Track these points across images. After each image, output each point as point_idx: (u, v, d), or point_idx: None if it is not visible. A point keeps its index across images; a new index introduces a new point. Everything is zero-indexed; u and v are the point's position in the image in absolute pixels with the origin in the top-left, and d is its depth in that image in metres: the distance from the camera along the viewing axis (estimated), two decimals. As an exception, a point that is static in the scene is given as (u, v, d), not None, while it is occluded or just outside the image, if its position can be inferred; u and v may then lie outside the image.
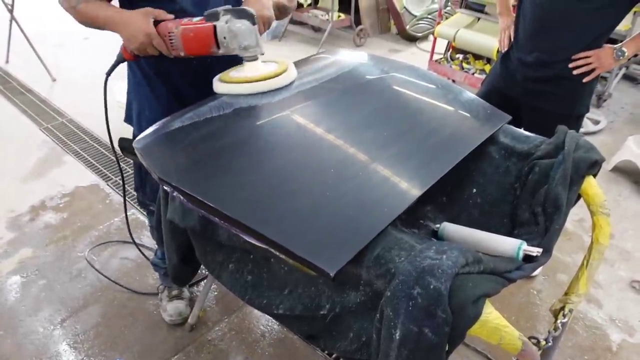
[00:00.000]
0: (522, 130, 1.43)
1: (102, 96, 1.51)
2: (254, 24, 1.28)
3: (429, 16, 5.44)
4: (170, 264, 1.54)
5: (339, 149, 1.12)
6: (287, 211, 0.96)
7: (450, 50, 4.30)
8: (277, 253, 0.90)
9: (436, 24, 4.27)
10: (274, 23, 5.54)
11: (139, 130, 1.64)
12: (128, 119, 1.72)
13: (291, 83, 1.38)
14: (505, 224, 1.29)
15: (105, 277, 2.28)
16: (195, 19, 1.30)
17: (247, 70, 1.36)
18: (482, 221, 1.30)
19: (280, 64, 1.41)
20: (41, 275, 2.33)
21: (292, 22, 5.47)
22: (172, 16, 1.33)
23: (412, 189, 1.05)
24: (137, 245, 2.02)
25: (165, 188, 1.02)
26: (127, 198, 2.12)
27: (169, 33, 1.30)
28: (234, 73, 1.38)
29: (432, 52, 4.24)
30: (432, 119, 1.33)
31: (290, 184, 1.01)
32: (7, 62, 4.59)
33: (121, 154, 1.64)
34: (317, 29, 5.52)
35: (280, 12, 1.53)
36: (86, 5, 1.36)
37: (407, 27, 5.27)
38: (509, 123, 1.43)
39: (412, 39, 5.39)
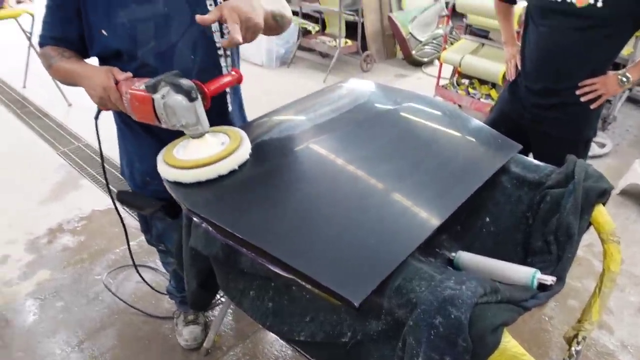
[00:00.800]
0: (532, 160, 1.48)
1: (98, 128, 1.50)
2: (191, 100, 1.15)
3: (434, 41, 5.53)
4: (189, 289, 1.58)
5: (359, 180, 1.18)
6: (311, 242, 1.00)
7: (456, 75, 4.37)
8: (303, 283, 0.95)
9: (442, 49, 4.36)
10: (282, 50, 5.62)
11: (132, 182, 1.67)
12: (121, 172, 1.73)
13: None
14: (518, 252, 1.33)
15: (122, 300, 2.32)
16: (143, 85, 1.20)
17: (191, 149, 1.23)
18: (495, 249, 1.34)
19: (233, 138, 1.27)
20: (59, 297, 2.37)
21: (300, 48, 5.58)
22: (128, 74, 1.29)
23: (430, 220, 1.10)
24: (141, 276, 2.07)
25: (195, 219, 1.07)
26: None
27: (124, 94, 1.25)
28: (178, 150, 1.27)
29: (439, 77, 4.31)
30: (446, 149, 1.38)
31: (313, 216, 1.06)
32: (24, 87, 4.71)
33: (122, 205, 1.66)
34: (324, 55, 5.62)
35: (277, 22, 1.40)
36: (57, 65, 1.40)
37: (413, 52, 5.36)
38: (519, 151, 1.49)
39: (418, 64, 5.48)
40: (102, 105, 1.33)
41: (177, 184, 1.18)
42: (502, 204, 1.40)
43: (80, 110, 4.28)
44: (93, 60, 1.45)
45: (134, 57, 1.37)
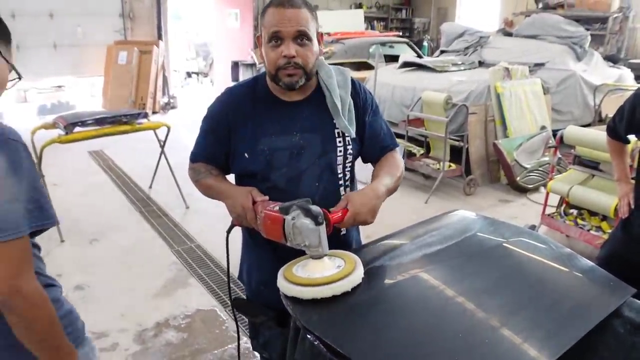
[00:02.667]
0: (647, 305, 1.42)
1: (225, 240, 1.66)
2: (317, 224, 1.30)
3: (540, 168, 5.49)
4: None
5: (468, 314, 1.21)
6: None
7: (564, 205, 4.28)
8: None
9: (548, 179, 4.32)
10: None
11: (248, 289, 1.82)
12: (240, 277, 1.87)
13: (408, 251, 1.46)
14: (633, 404, 1.25)
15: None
16: (277, 207, 1.39)
17: (310, 268, 1.34)
18: (608, 398, 1.28)
19: (348, 262, 1.36)
20: (158, 390, 2.48)
21: (405, 169, 5.75)
22: (265, 197, 1.48)
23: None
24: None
25: (309, 336, 1.16)
26: (240, 326, 2.25)
27: (258, 214, 1.43)
28: (298, 270, 1.37)
29: (545, 206, 4.23)
30: (555, 289, 1.38)
31: (422, 346, 1.11)
32: (150, 187, 5.24)
33: (237, 311, 1.81)
34: (427, 177, 5.75)
35: (394, 190, 1.66)
36: (206, 179, 1.66)
37: (518, 178, 5.34)
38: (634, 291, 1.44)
39: (522, 190, 5.43)
40: (238, 221, 1.53)
41: (294, 301, 1.28)
42: (615, 350, 1.34)
43: (196, 214, 4.66)
44: (231, 177, 1.69)
45: (266, 179, 1.58)
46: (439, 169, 5.36)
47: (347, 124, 1.60)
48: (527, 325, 1.20)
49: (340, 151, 1.63)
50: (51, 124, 4.30)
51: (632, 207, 2.17)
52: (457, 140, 5.39)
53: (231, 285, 3.20)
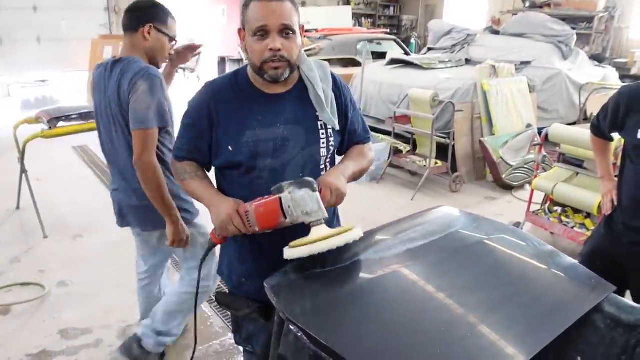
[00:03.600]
0: (627, 301, 1.44)
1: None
2: (314, 191, 1.42)
3: (526, 166, 5.54)
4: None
5: (449, 309, 1.22)
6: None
7: (549, 202, 4.32)
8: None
9: (534, 177, 4.35)
10: (373, 166, 5.84)
11: (230, 283, 1.82)
12: (219, 271, 1.88)
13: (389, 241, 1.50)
14: (612, 398, 1.27)
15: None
16: (266, 196, 1.47)
17: (314, 234, 1.42)
18: (587, 392, 1.29)
19: (346, 226, 1.45)
20: (142, 387, 2.47)
21: (391, 165, 5.78)
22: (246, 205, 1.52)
23: (517, 356, 1.10)
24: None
25: (292, 328, 1.15)
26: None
27: (245, 212, 1.46)
28: (302, 239, 1.43)
29: (530, 203, 4.27)
30: (537, 286, 1.39)
31: (405, 339, 1.11)
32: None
33: (220, 305, 1.84)
34: (414, 174, 5.77)
35: (359, 176, 1.73)
36: (191, 181, 1.67)
37: (503, 176, 5.38)
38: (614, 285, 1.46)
39: (508, 188, 5.47)
40: (223, 229, 1.52)
41: (278, 292, 1.27)
42: (595, 345, 1.36)
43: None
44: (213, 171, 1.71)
45: (251, 171, 1.59)
46: (425, 166, 5.38)
47: (331, 116, 1.64)
48: (508, 320, 1.21)
49: (323, 143, 1.66)
50: (34, 118, 4.23)
51: (615, 204, 2.19)
52: (444, 138, 5.41)
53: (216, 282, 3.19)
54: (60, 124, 4.17)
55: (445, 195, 5.26)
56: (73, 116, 4.24)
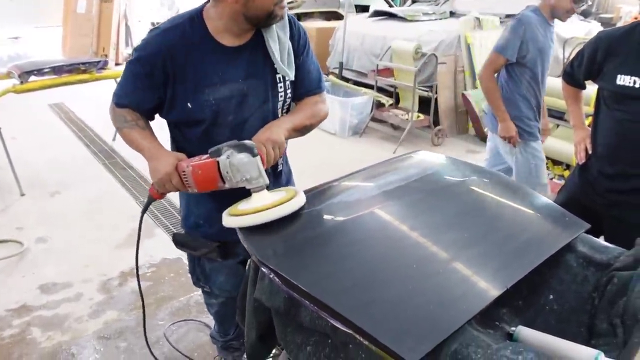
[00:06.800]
0: (600, 240, 1.45)
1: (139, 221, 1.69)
2: (254, 155, 1.33)
3: (508, 119, 5.53)
4: (248, 341, 1.62)
5: (422, 246, 1.21)
6: (372, 300, 1.04)
7: (529, 154, 4.33)
8: (361, 339, 0.97)
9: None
10: (355, 120, 5.81)
11: (186, 225, 1.81)
12: (181, 215, 1.87)
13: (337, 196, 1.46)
14: (581, 333, 1.29)
15: (180, 352, 2.38)
16: (204, 157, 1.40)
17: (254, 201, 1.36)
18: (558, 328, 1.31)
19: (288, 192, 1.38)
20: (123, 338, 2.48)
21: (373, 119, 5.74)
22: (184, 156, 1.49)
23: (490, 290, 1.11)
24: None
25: (263, 270, 1.14)
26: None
27: (182, 172, 1.42)
28: (242, 205, 1.38)
29: (510, 155, 4.28)
30: (511, 224, 1.39)
31: (376, 276, 1.10)
32: (114, 139, 5.10)
33: (177, 247, 1.82)
34: (396, 127, 5.74)
35: (302, 132, 1.64)
36: (130, 130, 1.58)
37: (486, 129, 5.37)
38: (589, 233, 1.46)
39: (490, 141, 5.48)
40: (161, 187, 1.48)
41: (250, 235, 1.26)
42: (567, 283, 1.37)
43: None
44: (158, 123, 1.65)
45: (211, 128, 1.54)
46: (407, 119, 5.35)
47: (286, 68, 1.56)
48: (481, 257, 1.21)
49: (281, 96, 1.61)
50: (5, 73, 4.10)
51: (589, 152, 2.19)
52: (426, 91, 5.36)
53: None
54: (32, 78, 4.04)
55: (427, 149, 5.22)
56: (45, 70, 4.12)
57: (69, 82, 4.25)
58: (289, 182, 1.84)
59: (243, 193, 1.42)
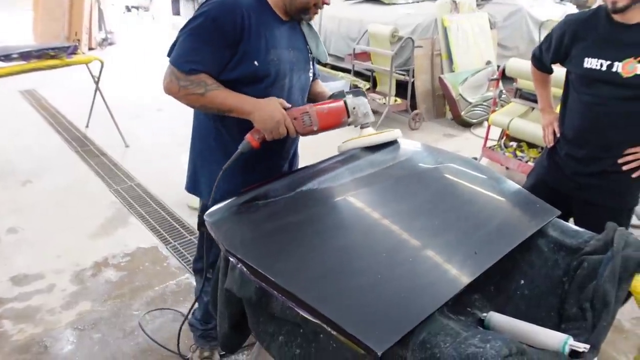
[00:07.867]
0: (571, 225, 1.46)
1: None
2: (366, 97, 1.71)
3: (484, 103, 5.56)
4: (220, 330, 1.61)
5: (393, 234, 1.20)
6: (340, 290, 1.03)
7: (505, 137, 4.36)
8: (329, 329, 0.96)
9: (491, 112, 4.37)
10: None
11: (211, 200, 1.72)
12: (193, 189, 1.85)
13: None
14: (552, 318, 1.30)
15: (155, 342, 2.35)
16: (326, 101, 1.68)
17: (365, 133, 1.72)
18: (529, 313, 1.32)
19: (386, 130, 1.74)
20: (97, 329, 2.44)
21: (351, 103, 5.71)
22: (290, 105, 1.62)
23: (460, 277, 1.10)
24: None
25: (231, 259, 1.12)
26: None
27: (301, 114, 1.57)
28: (353, 137, 1.73)
29: (486, 139, 4.31)
30: (483, 211, 1.39)
31: (345, 265, 1.09)
32: (87, 126, 5.00)
33: (199, 229, 1.81)
34: (373, 112, 5.70)
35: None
36: (218, 92, 1.55)
37: (462, 113, 5.40)
38: (558, 217, 1.47)
39: (466, 125, 5.50)
40: (274, 131, 1.54)
41: (219, 226, 1.23)
42: (538, 268, 1.38)
43: (136, 152, 4.50)
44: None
45: (270, 86, 1.65)
46: (384, 103, 5.34)
47: (325, 50, 1.83)
48: (452, 244, 1.20)
49: (311, 73, 1.84)
50: (-28, 60, 3.97)
51: (558, 135, 2.19)
52: (403, 75, 5.35)
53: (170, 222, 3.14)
54: (0, 64, 3.92)
55: (404, 133, 5.18)
56: (13, 56, 4.00)
57: (38, 68, 4.13)
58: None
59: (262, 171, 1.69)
